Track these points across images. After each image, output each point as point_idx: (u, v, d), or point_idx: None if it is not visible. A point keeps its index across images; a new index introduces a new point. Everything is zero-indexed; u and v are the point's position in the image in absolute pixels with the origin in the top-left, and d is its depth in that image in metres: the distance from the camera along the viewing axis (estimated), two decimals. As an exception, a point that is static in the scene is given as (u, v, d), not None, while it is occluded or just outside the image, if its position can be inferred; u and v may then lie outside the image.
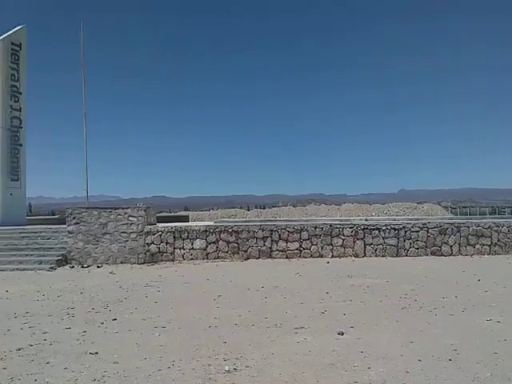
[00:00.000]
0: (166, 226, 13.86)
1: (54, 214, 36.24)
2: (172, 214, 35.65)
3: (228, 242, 13.61)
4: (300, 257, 13.48)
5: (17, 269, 12.36)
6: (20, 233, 15.02)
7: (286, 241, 13.60)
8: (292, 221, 15.22)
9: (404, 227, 13.64)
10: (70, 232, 13.56)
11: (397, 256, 13.44)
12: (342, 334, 5.32)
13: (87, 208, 14.06)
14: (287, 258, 13.46)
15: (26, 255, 13.30)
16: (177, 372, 4.14)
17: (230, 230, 13.67)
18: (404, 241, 13.57)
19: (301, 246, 13.59)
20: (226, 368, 4.18)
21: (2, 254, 13.53)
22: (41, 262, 12.75)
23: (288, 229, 13.66)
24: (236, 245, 13.60)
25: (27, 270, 12.28)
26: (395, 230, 13.61)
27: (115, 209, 13.81)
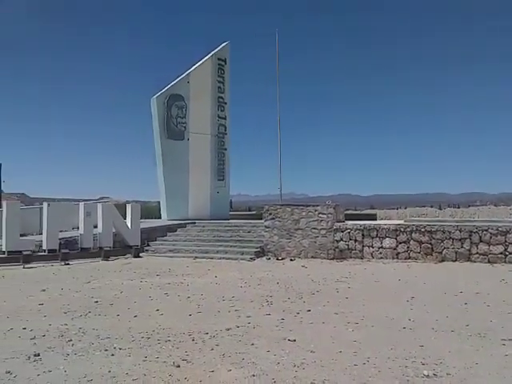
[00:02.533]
0: (355, 224, 13.91)
1: (250, 210, 39.61)
2: (359, 212, 35.39)
3: (420, 243, 12.93)
4: (505, 262, 11.97)
5: (223, 258, 14.00)
6: (225, 226, 17.01)
7: (488, 243, 12.23)
8: (494, 221, 13.59)
9: None
10: (266, 227, 14.72)
11: None
12: None
13: (281, 205, 15.07)
14: (489, 262, 12.11)
15: (231, 246, 14.97)
16: (372, 369, 4.19)
17: (423, 230, 12.96)
18: None
19: (506, 249, 12.07)
20: (425, 372, 4.04)
21: (211, 244, 15.51)
22: (242, 253, 14.18)
23: (490, 230, 12.27)
24: (429, 245, 12.83)
25: (231, 259, 13.80)
26: None
27: (306, 206, 14.46)
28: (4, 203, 13.58)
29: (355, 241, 13.63)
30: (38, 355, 4.65)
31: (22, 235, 13.49)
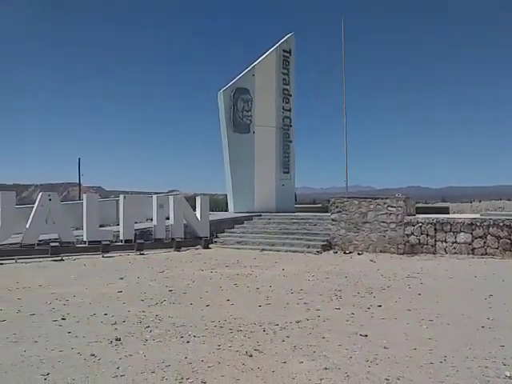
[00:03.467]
0: (426, 218, 13.37)
1: (314, 203, 39.29)
2: (430, 205, 33.95)
3: (498, 238, 12.20)
4: None
5: (289, 250, 14.05)
6: (291, 219, 17.04)
7: None
8: None
9: None
10: (333, 220, 14.57)
11: None
12: None
13: (348, 198, 14.83)
14: None
15: (297, 239, 14.99)
16: (450, 368, 4.04)
17: (501, 224, 12.20)
18: None
19: None
20: (507, 373, 3.84)
21: (278, 236, 15.62)
22: (309, 246, 14.15)
23: None
24: (508, 241, 12.06)
25: (298, 252, 13.82)
26: None
27: (374, 199, 14.12)
28: (84, 196, 14.51)
29: (427, 235, 13.12)
30: (119, 340, 4.94)
31: (100, 226, 14.34)
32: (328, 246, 14.29)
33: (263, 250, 14.37)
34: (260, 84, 20.60)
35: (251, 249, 14.68)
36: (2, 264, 11.29)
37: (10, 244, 12.25)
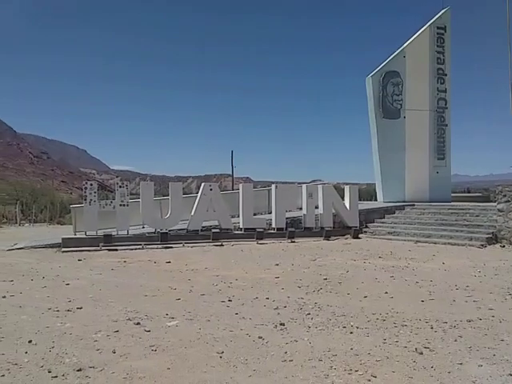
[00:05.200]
0: None
1: (469, 192, 35.67)
2: None
3: None
4: None
5: (448, 243, 13.03)
6: (448, 209, 15.79)
7: None
8: None
9: None
10: (499, 210, 13.07)
11: None
12: None
13: (520, 185, 13.15)
14: None
15: (456, 231, 13.83)
16: None
17: None
18: None
19: None
20: None
21: (434, 228, 14.62)
22: (471, 239, 12.94)
23: None
24: None
25: (458, 245, 12.74)
26: None
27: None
28: (240, 186, 15.39)
29: None
30: (283, 325, 5.13)
31: (253, 214, 15.11)
32: (493, 239, 12.89)
33: (417, 241, 13.59)
34: (412, 65, 19.43)
35: (404, 240, 14.01)
36: (171, 248, 12.66)
37: (178, 230, 13.65)
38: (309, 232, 14.81)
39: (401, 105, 19.39)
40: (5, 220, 23.68)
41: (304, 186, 15.60)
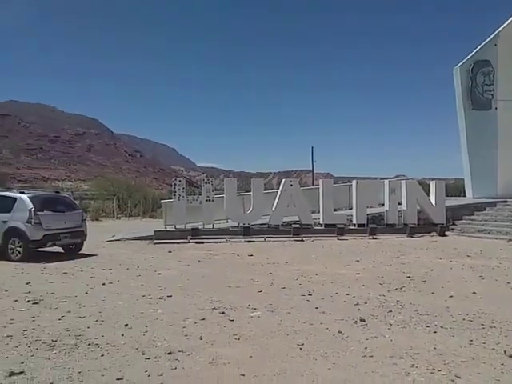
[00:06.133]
0: None
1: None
2: None
3: None
4: None
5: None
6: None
7: None
8: None
9: None
10: None
11: None
12: None
13: None
14: None
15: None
16: None
17: None
18: None
19: None
20: None
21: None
22: None
23: None
24: None
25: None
26: None
27: None
28: (320, 181, 15.40)
29: None
30: (364, 321, 5.17)
31: (334, 210, 15.06)
32: None
33: (510, 240, 12.73)
34: (504, 53, 18.08)
35: (495, 238, 13.21)
36: (253, 241, 13.07)
37: (260, 224, 14.03)
38: (391, 229, 14.46)
39: (492, 95, 18.13)
40: (104, 214, 25.78)
41: (386, 181, 15.24)
